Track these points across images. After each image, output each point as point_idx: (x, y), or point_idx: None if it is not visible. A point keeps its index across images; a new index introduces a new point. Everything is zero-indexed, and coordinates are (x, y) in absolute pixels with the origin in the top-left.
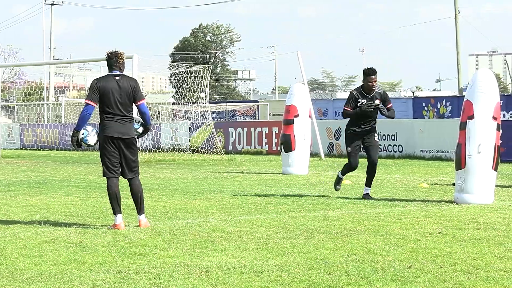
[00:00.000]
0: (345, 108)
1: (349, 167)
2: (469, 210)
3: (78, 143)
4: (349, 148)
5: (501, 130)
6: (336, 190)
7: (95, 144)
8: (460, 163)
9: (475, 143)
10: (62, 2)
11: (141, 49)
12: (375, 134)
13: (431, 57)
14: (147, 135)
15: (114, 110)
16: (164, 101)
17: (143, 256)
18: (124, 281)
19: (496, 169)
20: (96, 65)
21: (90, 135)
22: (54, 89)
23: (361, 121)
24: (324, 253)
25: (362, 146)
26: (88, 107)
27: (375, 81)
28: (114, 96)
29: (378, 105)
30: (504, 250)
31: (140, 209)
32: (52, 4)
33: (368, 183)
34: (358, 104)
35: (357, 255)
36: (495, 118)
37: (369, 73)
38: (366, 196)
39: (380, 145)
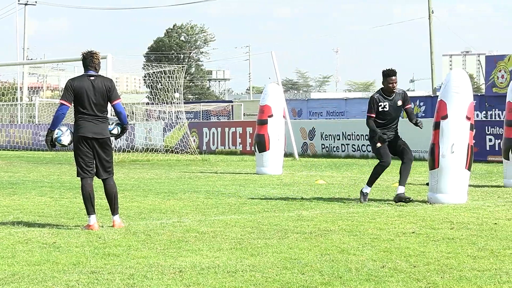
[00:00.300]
0: (369, 114)
1: (382, 167)
2: (443, 210)
3: (52, 143)
4: (379, 144)
5: (474, 130)
6: (362, 202)
7: (69, 144)
8: (433, 163)
9: (448, 143)
10: (36, 2)
11: (115, 49)
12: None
13: (405, 57)
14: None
15: (88, 110)
16: (138, 101)
17: (117, 257)
18: (97, 281)
19: (469, 169)
20: (70, 65)
21: (64, 135)
22: (28, 89)
23: (385, 129)
24: (298, 253)
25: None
26: (63, 107)
27: (395, 82)
28: (88, 96)
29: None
30: (477, 249)
31: (114, 209)
32: (25, 4)
33: (403, 182)
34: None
35: (331, 255)
36: (468, 118)
37: (389, 74)
38: (402, 196)
39: (354, 145)
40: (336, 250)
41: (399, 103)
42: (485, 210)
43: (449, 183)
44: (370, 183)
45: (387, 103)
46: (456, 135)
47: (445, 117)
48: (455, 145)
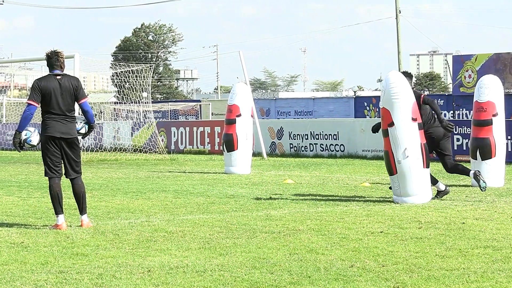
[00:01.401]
0: None
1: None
2: (411, 209)
3: (20, 145)
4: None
5: (423, 128)
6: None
7: (38, 144)
8: (391, 169)
9: (400, 148)
10: (3, 1)
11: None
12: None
13: (373, 57)
14: (90, 134)
15: (56, 110)
16: (106, 100)
17: (85, 256)
18: (66, 281)
19: (427, 166)
20: (37, 64)
21: (33, 135)
22: None
23: None
24: (267, 252)
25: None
26: (31, 107)
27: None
28: (55, 96)
29: None
30: (445, 249)
31: (82, 209)
32: None
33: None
34: None
35: (299, 255)
36: (414, 119)
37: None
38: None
39: (322, 145)
40: (304, 249)
41: None
42: (453, 209)
43: (411, 185)
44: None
45: None
46: (407, 140)
47: (391, 124)
48: (407, 149)
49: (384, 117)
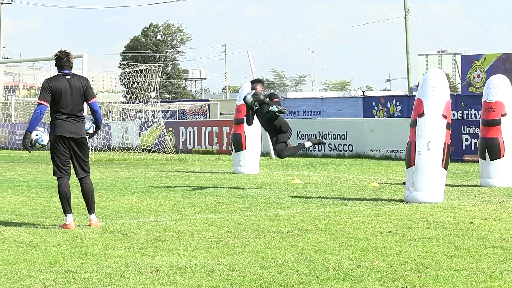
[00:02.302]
0: None
1: None
2: (419, 209)
3: (31, 145)
4: None
5: (450, 129)
6: None
7: (48, 143)
8: (410, 161)
9: (424, 140)
10: (12, 1)
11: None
12: None
13: (381, 57)
14: (97, 134)
15: (65, 110)
16: (115, 100)
17: (94, 256)
18: (74, 280)
19: (446, 168)
20: (46, 64)
21: (44, 135)
22: (4, 88)
23: None
24: (275, 252)
25: None
26: (41, 107)
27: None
28: (65, 96)
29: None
30: (453, 249)
31: (90, 208)
32: (1, 3)
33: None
34: None
35: (307, 254)
36: (445, 117)
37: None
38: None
39: (331, 145)
40: (313, 249)
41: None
42: (462, 209)
43: (425, 181)
44: None
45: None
46: (432, 133)
47: (421, 114)
48: (431, 142)
49: (416, 108)
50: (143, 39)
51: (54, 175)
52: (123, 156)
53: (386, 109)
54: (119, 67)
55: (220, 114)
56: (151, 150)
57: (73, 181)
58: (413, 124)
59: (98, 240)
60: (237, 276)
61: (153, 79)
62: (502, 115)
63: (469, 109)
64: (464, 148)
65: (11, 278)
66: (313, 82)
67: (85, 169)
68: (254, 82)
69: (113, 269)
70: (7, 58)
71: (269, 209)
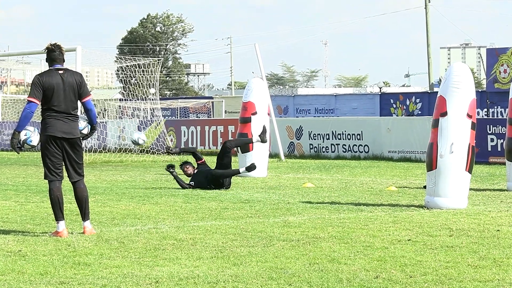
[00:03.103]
0: None
1: None
2: (441, 216)
3: (19, 146)
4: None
5: (475, 130)
6: None
7: (37, 144)
8: (431, 164)
9: (447, 142)
10: None
11: (85, 40)
12: None
13: (400, 50)
14: (92, 136)
15: (58, 108)
16: (111, 97)
17: (88, 266)
18: None
19: (470, 171)
20: (36, 58)
21: (33, 135)
22: None
23: None
24: (285, 262)
25: None
26: (31, 105)
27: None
28: (58, 93)
29: None
30: (478, 258)
31: (84, 214)
32: None
33: None
34: None
35: (320, 264)
36: (469, 116)
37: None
38: None
39: (345, 145)
40: (325, 259)
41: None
42: (487, 215)
43: (448, 186)
44: None
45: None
46: (456, 134)
47: (444, 114)
48: (454, 144)
49: (439, 106)
50: (141, 31)
51: (45, 178)
52: (119, 158)
53: (405, 107)
54: (115, 61)
55: (225, 112)
56: (150, 151)
57: (66, 185)
58: (435, 124)
59: (92, 249)
60: None
61: (152, 74)
62: None
63: (495, 107)
64: (489, 149)
65: None
66: (326, 77)
67: (79, 172)
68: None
69: (109, 280)
70: None
71: (278, 215)
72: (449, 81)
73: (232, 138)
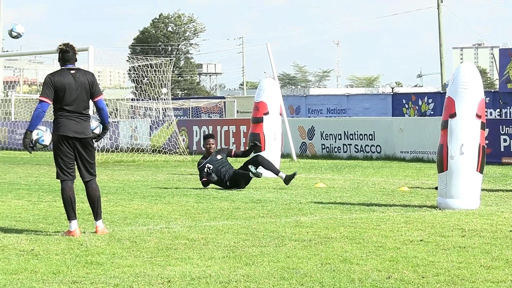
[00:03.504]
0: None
1: None
2: (453, 216)
3: (31, 145)
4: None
5: (486, 129)
6: None
7: (50, 144)
8: (442, 165)
9: (457, 143)
10: None
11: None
12: None
13: (412, 50)
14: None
15: (70, 107)
16: (123, 97)
17: (100, 265)
18: None
19: (481, 171)
20: (48, 58)
21: (45, 135)
22: (3, 84)
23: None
24: (296, 262)
25: None
26: (43, 105)
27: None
28: (70, 92)
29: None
30: (491, 259)
31: (96, 214)
32: None
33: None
34: None
35: (332, 265)
36: (479, 116)
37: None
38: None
39: (357, 146)
40: (337, 259)
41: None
42: (500, 216)
43: (459, 187)
44: None
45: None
46: (466, 135)
47: (453, 115)
48: (464, 145)
49: (447, 107)
50: (153, 31)
51: (57, 178)
52: (132, 158)
53: (417, 107)
54: (127, 61)
55: (237, 112)
56: (162, 151)
57: (78, 185)
58: (445, 125)
59: (105, 248)
60: None
61: (164, 74)
62: None
63: (508, 107)
64: (502, 149)
65: None
66: (338, 77)
67: (91, 171)
68: (207, 138)
69: (121, 279)
70: (7, 51)
71: (290, 215)
72: (457, 82)
73: (265, 159)
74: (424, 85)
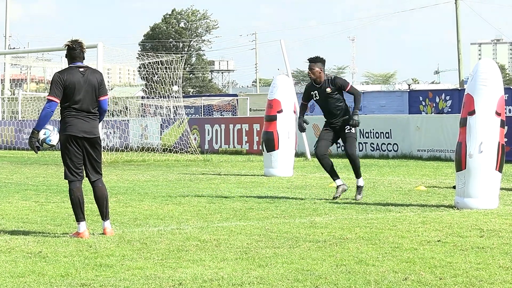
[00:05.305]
0: (302, 102)
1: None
2: (471, 216)
3: (38, 145)
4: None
5: (506, 127)
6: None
7: (57, 143)
8: (460, 164)
9: (476, 141)
10: None
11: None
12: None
13: (429, 46)
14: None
15: (78, 106)
16: (133, 95)
17: (110, 268)
18: None
19: (500, 170)
20: (56, 55)
21: (53, 134)
22: (10, 82)
23: (329, 116)
24: (311, 263)
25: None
26: (51, 104)
27: (313, 69)
28: (78, 91)
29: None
30: (510, 260)
31: (105, 214)
32: None
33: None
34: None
35: (347, 266)
36: (498, 114)
37: (308, 61)
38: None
39: (373, 144)
40: (353, 260)
41: (328, 90)
42: None
43: (478, 186)
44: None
45: (316, 92)
46: (485, 133)
47: (472, 112)
48: (483, 143)
49: (466, 104)
50: (165, 27)
51: (65, 178)
52: (142, 157)
53: (434, 104)
54: (137, 58)
55: (250, 110)
56: (173, 150)
57: (86, 185)
58: (463, 123)
59: (114, 250)
60: None
61: (175, 72)
62: None
63: None
64: None
65: None
66: (353, 74)
67: (98, 171)
68: (313, 61)
69: (131, 282)
70: (14, 48)
71: (304, 215)
72: (476, 79)
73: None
74: (441, 81)
